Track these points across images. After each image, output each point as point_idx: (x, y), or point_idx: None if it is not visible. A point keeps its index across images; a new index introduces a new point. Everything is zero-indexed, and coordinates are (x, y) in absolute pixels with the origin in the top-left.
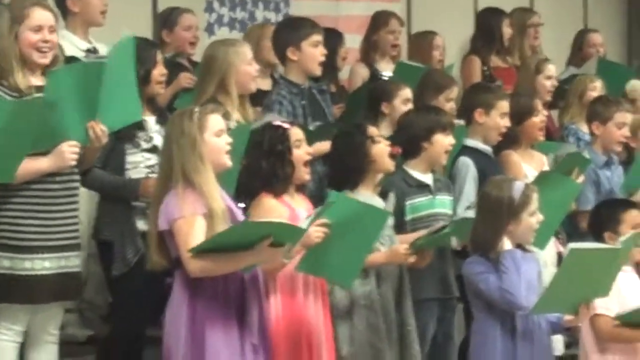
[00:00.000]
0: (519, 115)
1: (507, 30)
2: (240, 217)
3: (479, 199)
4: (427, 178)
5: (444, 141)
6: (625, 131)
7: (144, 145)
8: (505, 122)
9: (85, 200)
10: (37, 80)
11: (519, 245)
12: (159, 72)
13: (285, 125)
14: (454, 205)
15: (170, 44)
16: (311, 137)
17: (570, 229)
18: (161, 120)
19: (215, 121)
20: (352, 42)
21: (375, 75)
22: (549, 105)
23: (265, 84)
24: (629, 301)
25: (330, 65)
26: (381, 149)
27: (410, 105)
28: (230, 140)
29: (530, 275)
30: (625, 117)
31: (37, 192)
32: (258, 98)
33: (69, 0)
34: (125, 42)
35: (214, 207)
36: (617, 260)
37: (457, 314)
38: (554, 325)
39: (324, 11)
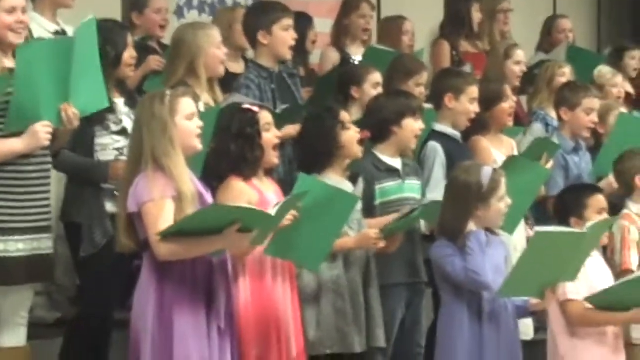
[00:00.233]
0: (488, 100)
1: (476, 15)
2: (210, 201)
3: (447, 184)
4: (396, 162)
5: (413, 126)
6: (594, 117)
7: (113, 127)
8: (475, 108)
9: (54, 182)
10: (9, 62)
11: (488, 229)
12: (130, 54)
13: (255, 109)
14: (422, 189)
15: (140, 27)
16: (279, 120)
17: (538, 214)
18: (130, 103)
19: (186, 104)
20: (323, 26)
21: (346, 59)
22: (518, 91)
23: (238, 67)
24: (597, 285)
25: (300, 49)
26: (351, 136)
27: (380, 90)
28: (201, 123)
29: (497, 259)
30: (593, 103)
31: (12, 174)
32: (230, 81)
33: None
34: (87, 24)
35: (183, 190)
36: (584, 245)
37: (426, 298)
38: (520, 309)
39: None
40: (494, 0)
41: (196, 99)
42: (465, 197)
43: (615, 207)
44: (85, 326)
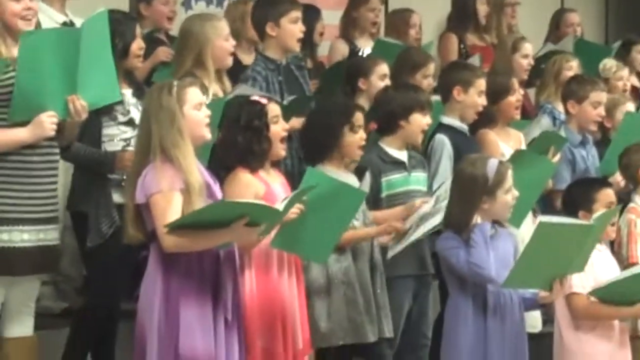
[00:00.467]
0: (496, 94)
1: (482, 8)
2: (218, 192)
3: (453, 177)
4: (403, 155)
5: (421, 121)
6: (601, 110)
7: (121, 118)
8: (483, 101)
9: (61, 172)
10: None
11: (496, 222)
12: (138, 45)
13: (263, 101)
14: (429, 182)
15: (148, 18)
16: (286, 112)
17: (545, 207)
18: (138, 94)
19: (194, 94)
20: (331, 18)
21: (354, 52)
22: (525, 84)
23: (250, 60)
24: (603, 279)
25: (307, 41)
26: (355, 140)
27: (387, 81)
28: (209, 112)
29: (505, 252)
30: (601, 96)
31: (16, 164)
32: (241, 73)
33: None
34: (98, 16)
35: (191, 181)
36: (590, 237)
37: (432, 290)
38: (529, 301)
39: None
40: None
41: (203, 90)
42: (471, 189)
43: (623, 203)
44: (92, 316)
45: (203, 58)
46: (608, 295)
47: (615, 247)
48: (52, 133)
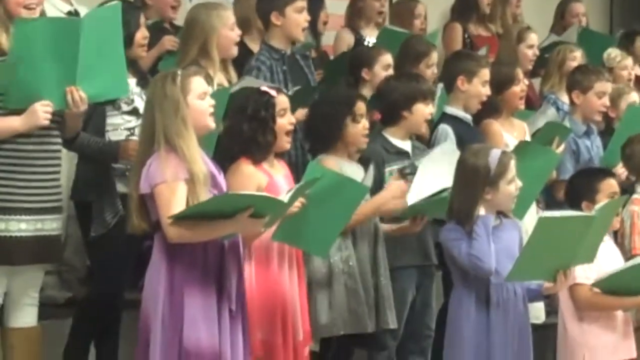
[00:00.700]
0: (500, 84)
1: None
2: (222, 182)
3: (456, 167)
4: (406, 145)
5: (424, 110)
6: (605, 101)
7: (125, 107)
8: (487, 91)
9: (65, 162)
10: None
11: (501, 213)
12: (142, 35)
13: (272, 93)
14: None
15: (152, 7)
16: (291, 102)
17: (548, 198)
18: (142, 83)
19: (198, 83)
20: (336, 7)
21: (360, 41)
22: (530, 74)
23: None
24: (607, 270)
25: (312, 31)
26: (358, 130)
27: (391, 71)
28: (213, 102)
29: (510, 243)
30: (605, 86)
31: (10, 152)
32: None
33: None
34: (111, 9)
35: (195, 171)
36: (594, 227)
37: (436, 281)
38: (533, 292)
39: None
40: None
41: (208, 80)
42: (474, 180)
43: (626, 193)
44: (95, 306)
45: (208, 47)
46: (611, 286)
47: (618, 238)
48: (46, 122)
